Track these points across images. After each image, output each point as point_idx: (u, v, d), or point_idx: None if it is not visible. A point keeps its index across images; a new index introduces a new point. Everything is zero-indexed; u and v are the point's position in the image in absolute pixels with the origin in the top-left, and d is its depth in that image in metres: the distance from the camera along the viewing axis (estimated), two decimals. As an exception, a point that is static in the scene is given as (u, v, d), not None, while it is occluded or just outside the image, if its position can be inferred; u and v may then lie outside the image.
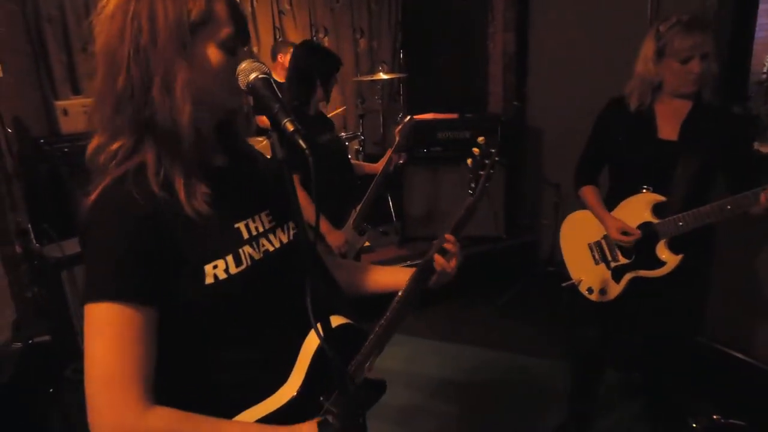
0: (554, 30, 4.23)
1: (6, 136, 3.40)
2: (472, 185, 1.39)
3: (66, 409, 2.74)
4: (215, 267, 1.02)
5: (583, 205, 2.45)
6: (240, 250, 1.07)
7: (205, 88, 1.01)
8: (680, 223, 2.11)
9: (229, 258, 1.04)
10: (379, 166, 3.01)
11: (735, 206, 1.98)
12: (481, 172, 1.41)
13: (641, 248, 2.24)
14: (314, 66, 2.78)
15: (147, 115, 0.99)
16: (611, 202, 2.33)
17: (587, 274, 2.46)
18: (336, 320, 1.16)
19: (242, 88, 1.02)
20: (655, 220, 2.18)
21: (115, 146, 1.01)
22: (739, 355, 2.98)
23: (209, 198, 1.03)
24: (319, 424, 1.05)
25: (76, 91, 4.51)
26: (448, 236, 1.33)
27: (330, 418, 1.09)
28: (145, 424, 0.95)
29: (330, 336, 1.02)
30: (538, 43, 4.44)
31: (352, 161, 3.24)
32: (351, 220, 2.92)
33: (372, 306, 1.36)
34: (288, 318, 1.14)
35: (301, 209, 1.02)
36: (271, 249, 1.13)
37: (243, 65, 1.02)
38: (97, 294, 0.95)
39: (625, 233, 2.21)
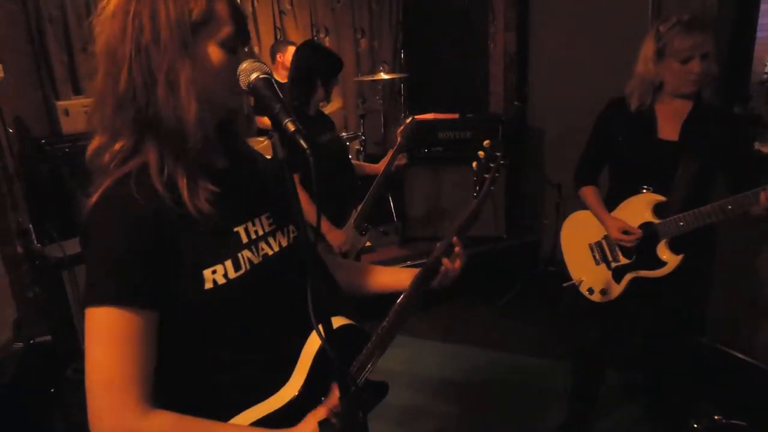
0: (555, 30, 4.22)
1: (7, 136, 3.40)
2: (477, 188, 1.40)
3: (67, 409, 2.74)
4: (214, 272, 1.02)
5: (583, 206, 2.45)
6: (239, 255, 1.06)
7: (206, 88, 1.01)
8: (681, 223, 2.11)
9: (228, 263, 1.04)
10: (380, 166, 3.01)
11: (736, 206, 1.97)
12: (486, 176, 1.42)
13: (642, 248, 2.24)
14: (315, 66, 2.78)
15: (150, 114, 0.99)
16: (611, 202, 2.33)
17: (588, 274, 2.46)
18: (337, 321, 1.16)
19: (243, 88, 1.02)
20: (656, 221, 2.18)
21: (116, 147, 1.01)
22: (740, 356, 2.98)
23: (211, 197, 1.03)
24: (320, 425, 1.05)
25: (77, 91, 4.51)
26: (454, 240, 1.34)
27: (331, 419, 1.09)
28: (144, 427, 0.95)
29: (331, 337, 1.02)
30: (539, 42, 4.44)
31: (353, 161, 3.24)
32: (352, 220, 2.92)
33: (372, 306, 1.36)
34: (289, 319, 1.14)
35: (302, 210, 1.02)
36: (271, 253, 1.13)
37: (244, 65, 1.02)
38: (98, 298, 0.95)
39: (626, 233, 2.21)
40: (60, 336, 3.10)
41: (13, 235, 3.25)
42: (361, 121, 5.39)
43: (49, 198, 3.59)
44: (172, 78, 0.98)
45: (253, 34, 5.47)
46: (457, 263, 1.34)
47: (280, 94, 1.00)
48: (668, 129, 2.18)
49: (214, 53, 1.01)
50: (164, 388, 1.00)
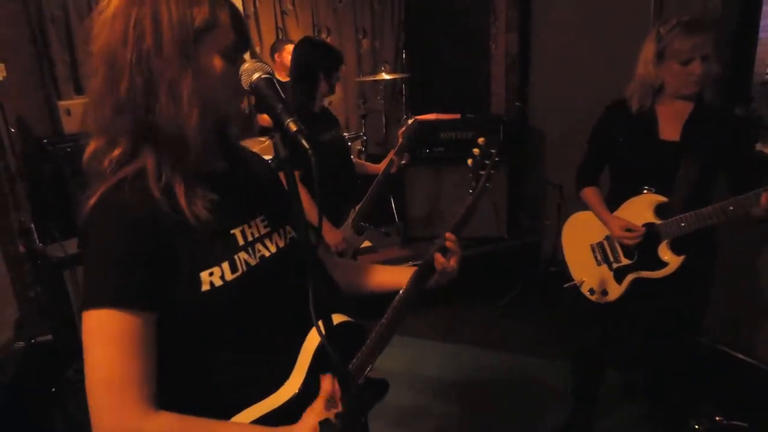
0: (556, 31, 4.22)
1: (9, 135, 3.41)
2: (473, 185, 1.41)
3: (67, 408, 2.74)
4: (211, 274, 1.02)
5: (585, 206, 2.45)
6: (235, 257, 1.06)
7: (207, 96, 1.01)
8: (682, 224, 2.10)
9: (225, 265, 1.04)
10: (381, 166, 3.01)
11: (737, 207, 1.97)
12: (482, 172, 1.42)
13: (643, 249, 2.24)
14: (315, 61, 2.78)
15: (150, 121, 0.99)
16: (613, 203, 2.33)
17: (589, 275, 2.46)
18: (336, 318, 1.16)
19: (245, 88, 1.02)
20: (657, 221, 2.18)
21: (113, 152, 1.01)
22: (741, 356, 2.98)
23: (210, 201, 1.03)
24: (320, 424, 1.05)
25: (79, 90, 4.53)
26: (448, 235, 1.34)
27: (331, 418, 1.10)
28: (146, 427, 0.95)
29: (331, 334, 1.02)
30: (541, 43, 4.44)
31: (355, 161, 3.24)
32: (350, 220, 2.92)
33: (371, 305, 1.36)
34: (287, 319, 1.14)
35: (303, 209, 1.03)
36: (267, 254, 1.13)
37: (246, 65, 1.02)
38: (97, 301, 0.95)
39: (628, 231, 2.21)
40: (61, 336, 3.10)
41: (14, 235, 3.26)
42: (363, 121, 5.40)
43: (51, 197, 3.61)
44: (174, 87, 0.97)
45: (254, 34, 5.48)
46: (453, 261, 1.33)
47: (282, 94, 1.00)
48: (669, 130, 2.18)
49: (216, 62, 1.01)
50: (164, 389, 1.00)
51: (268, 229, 1.16)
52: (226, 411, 1.05)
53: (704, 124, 2.13)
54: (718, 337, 3.06)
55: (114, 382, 0.94)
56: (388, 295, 1.32)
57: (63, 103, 4.01)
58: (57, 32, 4.46)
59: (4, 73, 3.48)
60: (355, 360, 1.21)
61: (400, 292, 1.30)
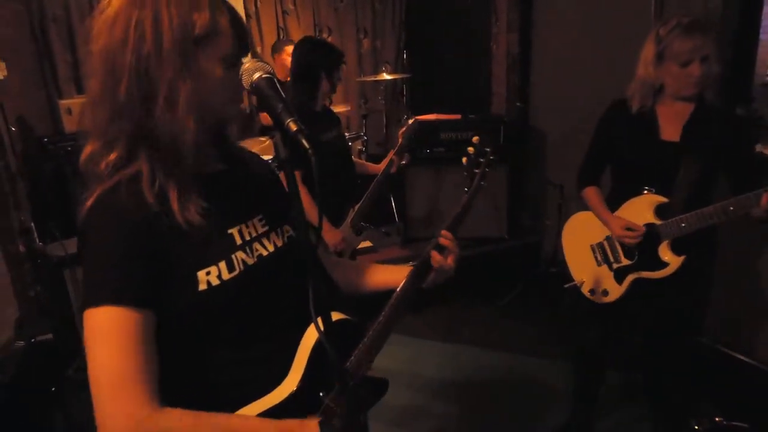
0: (557, 31, 4.22)
1: (10, 134, 3.41)
2: (468, 183, 1.42)
3: (68, 408, 2.75)
4: (208, 273, 1.03)
5: (586, 206, 2.45)
6: (233, 256, 1.07)
7: (205, 102, 1.01)
8: (683, 224, 2.10)
9: (222, 264, 1.05)
10: (382, 166, 3.01)
11: (737, 207, 1.97)
12: (476, 171, 1.43)
13: (644, 249, 2.24)
14: (316, 60, 2.78)
15: (147, 127, 0.99)
16: (613, 203, 2.33)
17: (589, 275, 2.45)
18: (335, 316, 1.16)
19: (246, 87, 1.02)
20: (658, 222, 2.18)
21: (110, 156, 1.01)
22: (741, 357, 2.97)
23: (202, 208, 1.03)
24: (321, 424, 1.05)
25: (80, 90, 4.53)
26: (444, 233, 1.34)
27: (332, 419, 1.10)
28: (160, 425, 0.94)
29: (329, 331, 1.02)
30: (542, 43, 4.44)
31: (356, 160, 3.24)
32: (349, 219, 2.92)
33: (370, 304, 1.36)
34: (285, 317, 1.14)
35: (303, 209, 1.03)
36: (265, 253, 1.13)
37: (247, 65, 1.02)
38: (97, 298, 0.95)
39: (629, 230, 2.21)
40: (61, 335, 3.11)
41: (15, 234, 3.27)
42: (364, 121, 5.40)
43: (52, 197, 3.61)
44: (172, 95, 0.97)
45: (255, 34, 5.49)
46: (450, 259, 1.33)
47: (283, 94, 1.00)
48: (670, 130, 2.18)
49: (215, 68, 1.01)
50: (162, 389, 0.99)
51: (266, 228, 1.16)
52: (225, 409, 1.05)
53: (705, 125, 2.13)
54: (719, 338, 3.06)
55: (122, 380, 0.93)
56: (387, 294, 1.32)
57: (64, 103, 4.01)
58: (58, 31, 4.46)
59: (5, 72, 3.48)
60: (352, 357, 1.21)
61: (398, 289, 1.30)
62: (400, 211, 4.64)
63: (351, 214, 2.93)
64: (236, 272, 1.06)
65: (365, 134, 5.21)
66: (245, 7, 5.34)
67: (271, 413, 1.07)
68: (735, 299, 2.96)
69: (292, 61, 2.91)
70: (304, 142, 0.95)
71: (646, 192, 2.21)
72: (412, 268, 1.34)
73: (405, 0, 6.00)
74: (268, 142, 4.08)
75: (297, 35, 5.55)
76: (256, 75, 1.01)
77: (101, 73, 1.00)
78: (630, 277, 2.32)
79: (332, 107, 3.22)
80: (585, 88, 3.75)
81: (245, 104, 5.01)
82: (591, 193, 2.40)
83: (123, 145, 1.01)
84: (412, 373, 3.33)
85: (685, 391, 2.55)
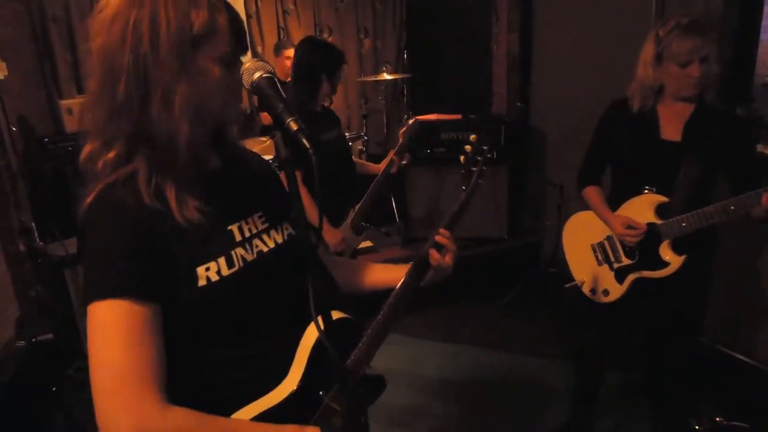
0: (558, 31, 4.22)
1: (11, 134, 3.41)
2: (465, 181, 1.42)
3: (69, 408, 2.75)
4: (207, 269, 1.02)
5: (586, 206, 2.45)
6: (232, 252, 1.07)
7: (203, 102, 1.01)
8: (683, 224, 2.10)
9: (221, 260, 1.04)
10: (382, 166, 3.01)
11: (738, 207, 1.97)
12: (474, 169, 1.44)
13: (644, 249, 2.24)
14: (317, 61, 2.78)
15: (144, 126, 0.99)
16: (614, 203, 2.33)
17: (590, 275, 2.45)
18: (334, 315, 1.16)
19: (246, 87, 1.02)
20: (658, 221, 2.18)
21: (108, 155, 1.01)
22: (741, 357, 2.98)
23: (201, 205, 1.03)
24: (322, 423, 1.05)
25: (81, 90, 4.52)
26: (442, 231, 1.34)
27: (332, 419, 1.10)
28: (167, 423, 0.93)
29: (329, 330, 1.02)
30: (542, 44, 4.44)
31: (356, 160, 3.25)
32: (349, 219, 2.92)
33: (369, 303, 1.37)
34: (284, 314, 1.14)
35: (304, 208, 1.03)
36: (265, 250, 1.13)
37: (247, 64, 1.03)
38: (100, 292, 0.94)
39: (630, 228, 2.21)
40: (62, 335, 3.11)
41: (15, 234, 3.27)
42: (364, 121, 5.40)
43: (52, 196, 3.61)
44: (168, 95, 0.97)
45: (256, 34, 5.49)
46: (448, 257, 1.33)
47: (283, 93, 1.00)
48: (671, 130, 2.18)
49: (214, 68, 1.01)
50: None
51: (266, 225, 1.16)
52: (224, 409, 1.05)
53: (705, 125, 2.13)
54: (719, 338, 3.06)
55: (127, 376, 0.91)
56: (386, 293, 1.32)
57: (64, 102, 4.01)
58: (59, 31, 4.46)
59: (6, 72, 3.48)
60: (352, 356, 1.21)
61: (396, 288, 1.31)
62: (400, 211, 4.64)
63: (351, 215, 2.93)
64: (236, 268, 1.06)
65: (366, 134, 5.21)
66: (246, 7, 5.34)
67: (271, 413, 1.07)
68: (735, 299, 2.97)
69: (293, 61, 2.92)
70: (305, 141, 0.95)
71: (646, 192, 2.21)
72: (410, 266, 1.34)
73: (406, 0, 6.00)
74: (268, 142, 4.08)
75: (297, 35, 5.55)
76: (257, 74, 1.02)
77: (100, 73, 1.00)
78: (631, 277, 2.32)
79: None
80: (585, 88, 3.76)
81: (246, 104, 5.02)
82: (592, 193, 2.41)
83: (121, 145, 1.01)
84: (412, 373, 3.33)
85: (685, 391, 2.55)
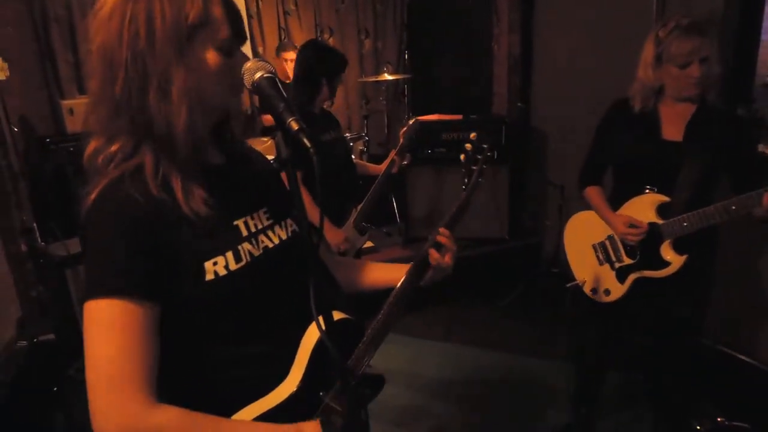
0: (559, 32, 4.23)
1: (12, 134, 3.42)
2: (465, 180, 1.42)
3: (69, 408, 2.75)
4: (215, 264, 1.03)
5: (587, 206, 2.45)
6: (239, 247, 1.07)
7: (203, 91, 1.02)
8: (685, 224, 2.10)
9: (229, 254, 1.05)
10: (383, 167, 3.01)
11: (739, 207, 1.97)
12: (474, 167, 1.43)
13: (646, 249, 2.24)
14: (319, 66, 2.79)
15: (145, 119, 0.99)
16: (615, 203, 2.33)
17: (591, 274, 2.46)
18: (335, 315, 1.16)
19: (248, 87, 1.03)
20: (660, 221, 2.18)
21: (112, 149, 1.01)
22: (743, 357, 2.98)
23: (207, 197, 1.04)
24: (322, 423, 1.05)
25: (82, 90, 4.53)
26: (442, 230, 1.34)
27: (333, 417, 1.10)
28: (152, 421, 0.94)
29: (330, 330, 1.03)
30: (543, 44, 4.44)
31: (357, 161, 3.25)
32: (351, 219, 2.93)
33: (369, 303, 1.37)
34: (287, 313, 1.14)
35: (304, 207, 1.03)
36: (270, 246, 1.14)
37: (248, 64, 1.03)
38: (98, 290, 0.95)
39: (632, 227, 2.21)
40: (63, 335, 3.11)
41: (17, 234, 3.27)
42: (365, 121, 5.41)
43: (53, 197, 3.60)
44: (165, 85, 0.98)
45: (257, 35, 5.49)
46: (448, 257, 1.34)
47: (284, 93, 1.01)
48: (672, 130, 2.18)
49: (211, 57, 1.02)
50: (163, 385, 0.99)
51: (271, 221, 1.17)
52: (225, 407, 1.05)
53: (707, 125, 2.13)
54: (719, 338, 3.05)
55: (117, 375, 0.93)
56: (386, 292, 1.32)
57: (66, 103, 4.01)
58: (60, 32, 4.47)
59: (7, 72, 3.48)
60: (352, 356, 1.21)
61: (396, 287, 1.31)
62: (401, 211, 4.64)
63: (354, 215, 2.94)
64: (243, 263, 1.06)
65: (367, 135, 5.22)
66: (247, 8, 5.35)
67: (272, 414, 1.07)
68: (736, 299, 2.96)
69: (295, 63, 2.92)
70: (306, 141, 0.95)
71: (647, 191, 2.21)
72: (410, 266, 1.34)
73: (406, 1, 6.01)
74: (269, 142, 4.08)
75: (298, 36, 5.56)
76: (258, 74, 1.02)
77: (100, 71, 1.01)
78: (632, 277, 2.32)
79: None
80: (586, 88, 3.76)
81: (247, 105, 5.03)
82: (593, 193, 2.41)
83: (125, 139, 1.02)
84: (412, 373, 3.33)
85: (686, 391, 2.55)
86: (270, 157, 1.33)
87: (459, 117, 4.40)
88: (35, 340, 3.10)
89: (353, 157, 3.34)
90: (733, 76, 2.85)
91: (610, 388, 2.81)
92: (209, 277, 1.02)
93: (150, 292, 0.97)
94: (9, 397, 2.71)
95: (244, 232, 1.10)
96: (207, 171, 1.07)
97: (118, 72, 0.98)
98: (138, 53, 0.97)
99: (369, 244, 4.42)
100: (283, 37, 5.56)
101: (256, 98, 4.85)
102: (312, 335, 1.14)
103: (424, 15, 5.90)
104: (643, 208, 2.22)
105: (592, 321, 2.58)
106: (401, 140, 2.94)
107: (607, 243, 2.40)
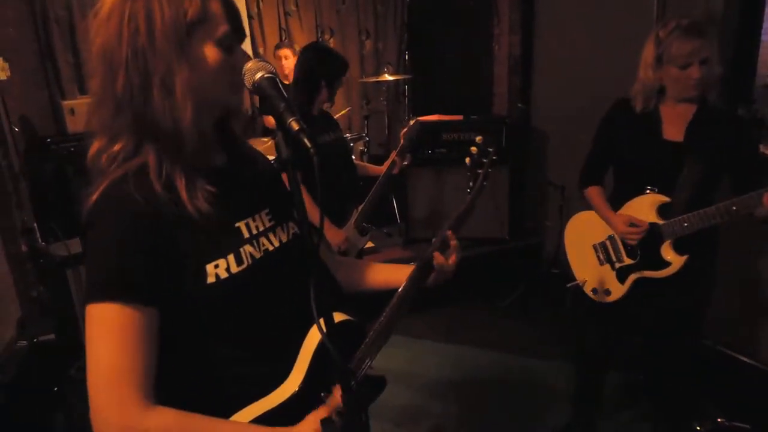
0: (559, 32, 4.23)
1: (13, 134, 3.42)
2: (471, 184, 1.42)
3: (70, 407, 2.75)
4: (216, 266, 1.03)
5: (587, 206, 2.45)
6: (241, 250, 1.07)
7: (204, 88, 1.02)
8: (685, 224, 2.10)
9: (231, 257, 1.05)
10: (384, 168, 3.01)
11: (740, 207, 1.97)
12: (479, 171, 1.43)
13: (646, 249, 2.24)
14: (319, 68, 2.79)
15: (148, 117, 0.99)
16: (616, 203, 2.33)
17: (592, 274, 2.46)
18: (337, 316, 1.16)
19: (248, 87, 1.03)
20: (660, 221, 2.18)
21: (114, 149, 1.02)
22: (743, 358, 2.97)
23: (210, 197, 1.04)
24: (322, 423, 1.05)
25: (83, 90, 4.53)
26: (449, 233, 1.34)
27: (333, 417, 1.10)
28: (147, 423, 0.95)
29: (331, 332, 1.03)
30: (543, 45, 4.44)
31: (357, 162, 3.25)
32: (352, 220, 2.93)
33: (371, 304, 1.37)
34: (288, 314, 1.14)
35: (305, 208, 1.03)
36: (271, 248, 1.14)
37: (249, 64, 1.03)
38: (98, 294, 0.96)
39: (632, 226, 2.21)
40: (63, 335, 3.11)
41: (17, 234, 3.27)
42: (365, 122, 5.40)
43: (54, 197, 3.60)
44: (168, 81, 0.98)
45: (258, 35, 5.49)
46: (452, 259, 1.34)
47: (285, 94, 1.01)
48: (673, 130, 2.18)
49: (211, 53, 1.02)
50: (165, 385, 1.00)
51: (273, 222, 1.17)
52: (226, 408, 1.06)
53: (708, 125, 2.13)
54: (720, 338, 3.05)
55: (114, 377, 0.94)
56: (388, 293, 1.32)
57: (66, 103, 4.01)
58: (61, 32, 4.47)
59: (8, 73, 3.49)
60: (354, 358, 1.21)
61: (399, 289, 1.31)
62: (401, 211, 4.64)
63: (354, 215, 2.94)
64: (244, 266, 1.06)
65: (367, 135, 5.21)
66: (247, 8, 5.35)
67: (273, 414, 1.07)
68: (736, 300, 2.96)
69: (296, 65, 2.92)
70: (306, 141, 0.95)
71: (648, 192, 2.21)
72: (413, 267, 1.34)
73: (407, 1, 6.01)
74: (270, 143, 4.09)
75: (299, 37, 5.56)
76: (258, 75, 1.02)
77: (101, 71, 1.01)
78: (632, 277, 2.32)
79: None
80: (586, 89, 3.75)
81: (247, 106, 5.03)
82: (594, 193, 2.41)
83: (128, 139, 1.02)
84: (413, 373, 3.33)
85: (686, 392, 2.55)
86: (270, 158, 1.33)
87: (459, 117, 4.40)
88: (35, 340, 3.11)
89: (353, 157, 3.34)
90: (733, 76, 2.85)
91: (610, 388, 2.81)
92: (210, 280, 1.02)
93: (150, 296, 0.98)
94: (9, 398, 2.71)
95: (246, 234, 1.10)
96: (210, 171, 1.08)
97: (119, 71, 0.98)
98: (138, 51, 0.97)
99: (370, 244, 4.42)
100: (283, 38, 5.55)
101: (256, 99, 4.87)
102: (314, 336, 1.14)
103: (425, 16, 5.90)
104: (644, 208, 2.22)
105: (592, 321, 2.58)
106: (402, 141, 2.94)
107: (608, 243, 2.40)
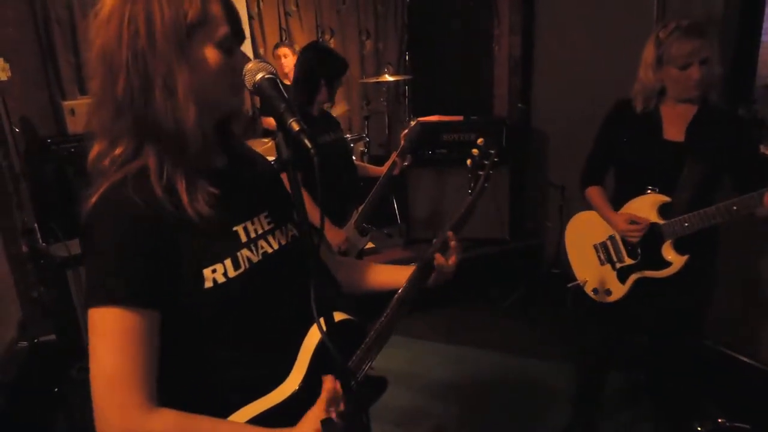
0: (559, 33, 4.22)
1: (13, 135, 3.42)
2: (472, 185, 1.42)
3: (71, 408, 2.75)
4: (214, 271, 1.03)
5: (587, 207, 2.45)
6: (238, 254, 1.07)
7: (204, 89, 1.02)
8: (686, 224, 2.11)
9: (228, 262, 1.05)
10: (384, 168, 3.01)
11: (741, 207, 1.98)
12: (480, 173, 1.43)
13: (647, 248, 2.24)
14: (319, 68, 2.79)
15: (149, 119, 0.99)
16: (616, 203, 2.33)
17: (593, 274, 2.46)
18: (337, 316, 1.16)
19: (249, 88, 1.03)
20: (661, 221, 2.18)
21: (115, 152, 1.02)
22: (744, 358, 2.97)
23: (211, 199, 1.04)
24: (322, 422, 1.05)
25: (83, 91, 4.53)
26: (450, 234, 1.34)
27: (333, 417, 1.10)
28: (149, 425, 0.96)
29: (331, 331, 1.03)
30: (544, 46, 4.44)
31: (358, 163, 3.25)
32: (353, 220, 2.93)
33: (371, 305, 1.37)
34: (288, 316, 1.14)
35: (306, 209, 1.03)
36: (270, 251, 1.14)
37: (249, 65, 1.03)
38: (100, 298, 0.96)
39: (633, 223, 2.21)
40: (64, 335, 3.11)
41: (18, 234, 3.27)
42: (366, 122, 5.40)
43: (55, 197, 3.60)
44: (170, 83, 0.98)
45: (258, 36, 5.49)
46: (452, 260, 1.34)
47: (285, 94, 1.01)
48: (674, 130, 2.18)
49: (211, 55, 1.02)
50: (165, 387, 1.00)
51: (272, 225, 1.17)
52: (225, 408, 1.06)
53: (708, 126, 2.13)
54: (720, 338, 3.05)
55: (118, 381, 0.94)
56: (388, 294, 1.32)
57: (67, 104, 4.01)
58: (62, 33, 4.47)
59: (9, 73, 3.49)
60: (354, 358, 1.21)
61: (399, 290, 1.31)
62: (402, 212, 4.64)
63: (355, 216, 2.94)
64: (242, 270, 1.06)
65: (367, 136, 5.21)
66: (248, 9, 5.35)
67: (272, 412, 1.07)
68: (736, 300, 2.96)
69: (295, 65, 2.93)
70: (306, 141, 0.95)
71: (649, 192, 2.21)
72: (414, 268, 1.34)
73: (407, 2, 6.01)
74: (270, 144, 4.09)
75: (299, 37, 5.56)
76: (259, 75, 1.02)
77: (101, 73, 1.01)
78: (633, 277, 2.32)
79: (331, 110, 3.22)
80: (587, 89, 3.76)
81: (248, 106, 5.03)
82: (594, 193, 2.41)
83: (128, 141, 1.02)
84: (413, 374, 3.33)
85: (687, 392, 2.55)
86: (270, 158, 1.33)
87: (460, 118, 4.40)
88: (36, 340, 3.10)
89: (354, 158, 3.34)
90: (733, 77, 2.86)
91: (611, 388, 2.81)
92: (208, 284, 1.02)
93: (150, 299, 0.98)
94: (10, 398, 2.70)
95: (243, 238, 1.10)
96: (211, 173, 1.08)
97: (119, 73, 0.98)
98: (138, 53, 0.97)
99: (370, 245, 4.42)
100: (284, 39, 5.56)
101: (257, 100, 4.87)
102: (314, 336, 1.14)
103: (425, 16, 5.90)
104: (645, 208, 2.22)
105: (593, 321, 2.59)
106: (402, 142, 2.94)
107: (609, 243, 2.40)
